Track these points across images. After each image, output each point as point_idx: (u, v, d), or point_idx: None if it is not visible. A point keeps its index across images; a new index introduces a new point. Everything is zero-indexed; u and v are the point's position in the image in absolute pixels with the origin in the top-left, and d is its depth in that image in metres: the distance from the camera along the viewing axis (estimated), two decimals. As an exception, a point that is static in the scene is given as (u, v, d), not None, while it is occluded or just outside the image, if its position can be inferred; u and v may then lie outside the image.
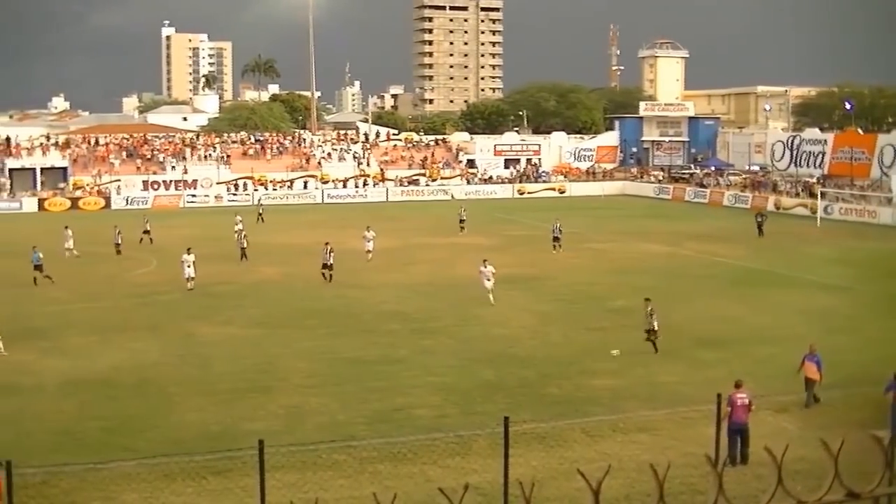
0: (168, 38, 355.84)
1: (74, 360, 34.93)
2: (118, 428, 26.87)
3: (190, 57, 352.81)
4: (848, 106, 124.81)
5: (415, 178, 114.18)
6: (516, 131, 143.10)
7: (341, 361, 34.36)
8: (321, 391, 30.62)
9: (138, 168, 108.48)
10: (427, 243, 67.80)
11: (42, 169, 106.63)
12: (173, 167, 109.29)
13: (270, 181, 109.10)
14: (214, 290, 49.17)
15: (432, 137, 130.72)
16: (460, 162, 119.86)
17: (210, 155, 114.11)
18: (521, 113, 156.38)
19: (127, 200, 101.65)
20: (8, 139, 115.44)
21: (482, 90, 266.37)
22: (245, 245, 58.86)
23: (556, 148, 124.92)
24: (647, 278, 52.00)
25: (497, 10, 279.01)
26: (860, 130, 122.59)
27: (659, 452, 22.68)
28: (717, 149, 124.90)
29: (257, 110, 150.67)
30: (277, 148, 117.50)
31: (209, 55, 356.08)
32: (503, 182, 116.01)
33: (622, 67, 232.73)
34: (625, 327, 39.40)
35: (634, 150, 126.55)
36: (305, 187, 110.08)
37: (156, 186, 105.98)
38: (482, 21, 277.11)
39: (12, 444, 23.97)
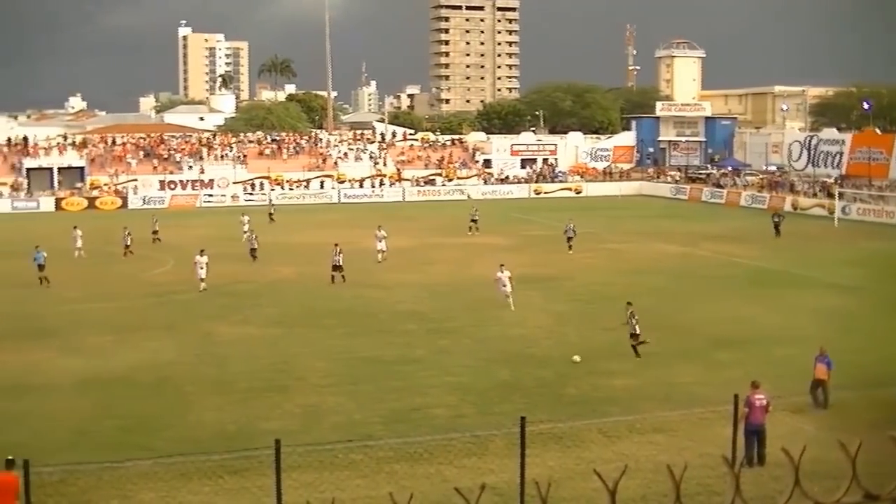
0: (185, 38, 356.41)
1: (91, 359, 35.03)
2: (135, 427, 26.94)
3: (206, 57, 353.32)
4: (866, 106, 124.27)
5: (431, 177, 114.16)
6: (533, 131, 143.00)
7: (358, 361, 34.40)
8: (338, 391, 30.65)
9: (155, 168, 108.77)
10: (443, 243, 67.80)
11: (59, 168, 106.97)
12: (190, 167, 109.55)
13: (287, 181, 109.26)
14: (231, 290, 49.27)
15: (449, 137, 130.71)
16: (477, 162, 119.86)
17: (226, 155, 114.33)
18: (537, 113, 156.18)
19: (144, 200, 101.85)
20: (25, 139, 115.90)
21: (498, 90, 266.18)
22: (255, 246, 58.79)
23: (573, 148, 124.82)
24: (664, 279, 51.98)
25: (513, 9, 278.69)
26: (878, 130, 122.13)
27: (675, 453, 22.65)
28: (734, 149, 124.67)
29: (274, 110, 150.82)
30: (294, 148, 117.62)
31: (226, 55, 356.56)
32: (519, 182, 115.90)
33: (639, 67, 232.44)
34: (643, 327, 39.31)
35: (651, 150, 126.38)
36: (322, 187, 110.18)
37: (172, 186, 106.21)
38: (498, 21, 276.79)
39: (29, 442, 24.06)
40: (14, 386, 31.19)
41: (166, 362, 34.52)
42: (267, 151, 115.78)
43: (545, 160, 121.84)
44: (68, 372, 33.14)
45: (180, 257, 56.17)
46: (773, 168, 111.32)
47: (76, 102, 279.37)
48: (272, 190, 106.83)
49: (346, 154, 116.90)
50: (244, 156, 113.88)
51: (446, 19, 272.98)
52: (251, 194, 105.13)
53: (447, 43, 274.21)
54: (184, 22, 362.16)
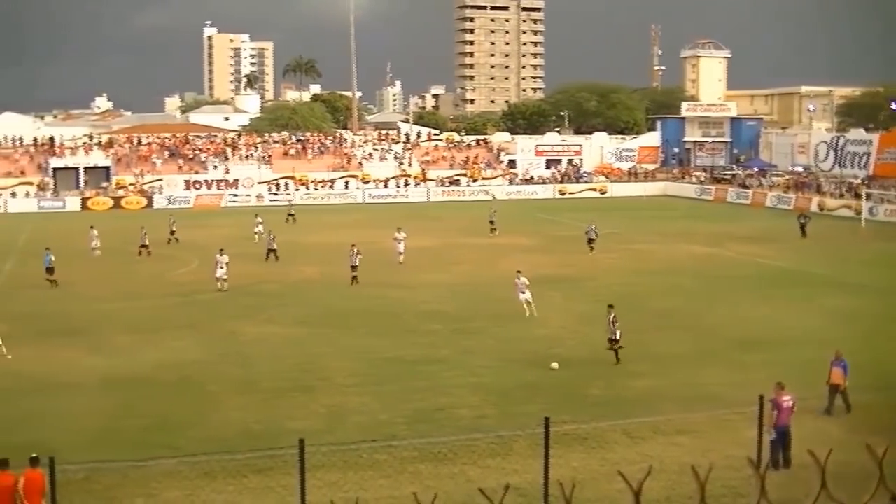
0: (210, 38, 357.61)
1: (116, 358, 35.19)
2: (159, 426, 27.04)
3: (231, 57, 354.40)
4: (894, 106, 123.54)
5: (456, 178, 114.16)
6: (557, 131, 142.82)
7: (382, 361, 34.42)
8: (362, 390, 30.68)
9: (180, 167, 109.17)
10: (467, 243, 67.79)
11: (85, 168, 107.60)
12: (215, 167, 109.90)
13: (311, 181, 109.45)
14: (255, 290, 49.39)
15: (473, 138, 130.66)
16: (501, 162, 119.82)
17: (251, 155, 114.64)
18: (562, 113, 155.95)
19: (169, 200, 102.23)
20: (52, 139, 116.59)
21: (523, 90, 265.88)
22: (274, 246, 58.73)
23: (598, 148, 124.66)
24: (688, 279, 51.85)
25: (538, 9, 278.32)
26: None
27: (700, 455, 22.57)
28: (759, 149, 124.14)
29: (298, 110, 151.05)
30: (318, 148, 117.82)
31: (251, 55, 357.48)
32: (544, 182, 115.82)
33: (664, 67, 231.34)
34: (664, 328, 39.34)
35: (676, 150, 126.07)
36: (346, 187, 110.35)
37: (197, 186, 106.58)
38: (523, 21, 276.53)
39: (55, 440, 24.17)
40: (40, 384, 31.34)
41: (191, 361, 34.64)
42: (291, 151, 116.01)
43: (570, 160, 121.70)
44: (93, 371, 33.30)
45: (205, 257, 56.28)
46: (800, 168, 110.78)
47: (102, 102, 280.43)
48: (297, 190, 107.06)
49: (370, 154, 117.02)
50: (269, 156, 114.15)
51: (471, 19, 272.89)
52: (276, 194, 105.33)
53: (472, 43, 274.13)
54: (209, 22, 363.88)
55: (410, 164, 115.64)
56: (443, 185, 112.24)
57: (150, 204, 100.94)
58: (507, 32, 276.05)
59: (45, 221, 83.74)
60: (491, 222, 72.68)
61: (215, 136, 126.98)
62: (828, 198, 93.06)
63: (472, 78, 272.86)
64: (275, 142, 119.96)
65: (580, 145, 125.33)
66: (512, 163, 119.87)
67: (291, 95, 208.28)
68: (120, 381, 31.89)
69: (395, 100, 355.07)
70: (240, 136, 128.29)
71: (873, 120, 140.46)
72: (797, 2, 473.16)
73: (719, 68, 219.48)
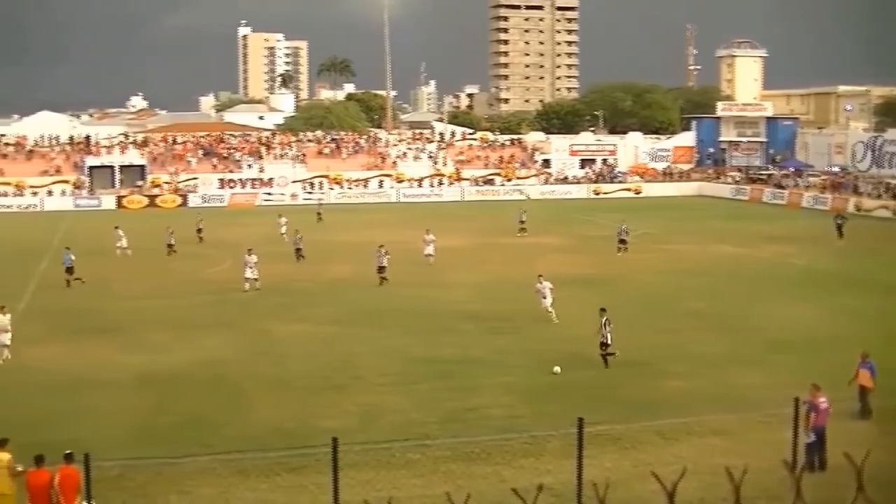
0: (245, 37, 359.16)
1: (150, 355, 35.37)
2: (193, 423, 27.14)
3: (266, 56, 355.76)
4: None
5: (490, 177, 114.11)
6: (592, 131, 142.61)
7: (415, 360, 34.44)
8: (395, 390, 30.72)
9: (215, 166, 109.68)
10: (501, 243, 67.77)
11: (121, 167, 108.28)
12: (249, 165, 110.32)
13: (346, 180, 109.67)
14: (288, 289, 49.51)
15: (508, 137, 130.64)
16: (536, 162, 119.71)
17: (286, 154, 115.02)
18: (596, 113, 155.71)
19: (203, 198, 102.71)
20: (88, 137, 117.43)
21: (558, 90, 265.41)
22: (300, 246, 58.60)
23: (632, 148, 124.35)
24: (722, 280, 51.65)
25: (573, 9, 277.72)
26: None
27: (734, 456, 22.40)
28: (795, 149, 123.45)
29: (333, 109, 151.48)
30: (353, 147, 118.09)
31: (285, 54, 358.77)
32: (578, 182, 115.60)
33: (699, 67, 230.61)
34: (698, 329, 39.19)
35: (711, 150, 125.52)
36: (381, 186, 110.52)
37: (232, 185, 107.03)
38: (558, 20, 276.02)
39: (90, 437, 24.28)
40: (75, 382, 31.54)
41: (224, 359, 34.77)
42: (326, 151, 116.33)
43: (604, 160, 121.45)
44: (128, 368, 33.48)
45: (238, 256, 56.38)
46: (836, 169, 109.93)
47: (137, 102, 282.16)
48: (331, 189, 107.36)
49: (404, 153, 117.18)
50: (303, 155, 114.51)
51: (505, 19, 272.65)
52: (310, 193, 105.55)
53: (506, 42, 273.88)
54: (244, 22, 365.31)
55: (445, 164, 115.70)
56: (477, 184, 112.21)
57: (184, 202, 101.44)
58: (541, 32, 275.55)
59: (80, 220, 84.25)
60: (521, 222, 72.55)
61: (250, 135, 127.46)
62: (865, 198, 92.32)
63: (506, 77, 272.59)
64: (309, 141, 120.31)
65: (615, 145, 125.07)
66: (546, 162, 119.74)
67: (326, 95, 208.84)
68: (154, 379, 32.08)
69: (429, 99, 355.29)
70: (274, 135, 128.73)
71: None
72: (834, 0, 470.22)
73: (755, 68, 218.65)
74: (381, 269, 50.34)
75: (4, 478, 19.74)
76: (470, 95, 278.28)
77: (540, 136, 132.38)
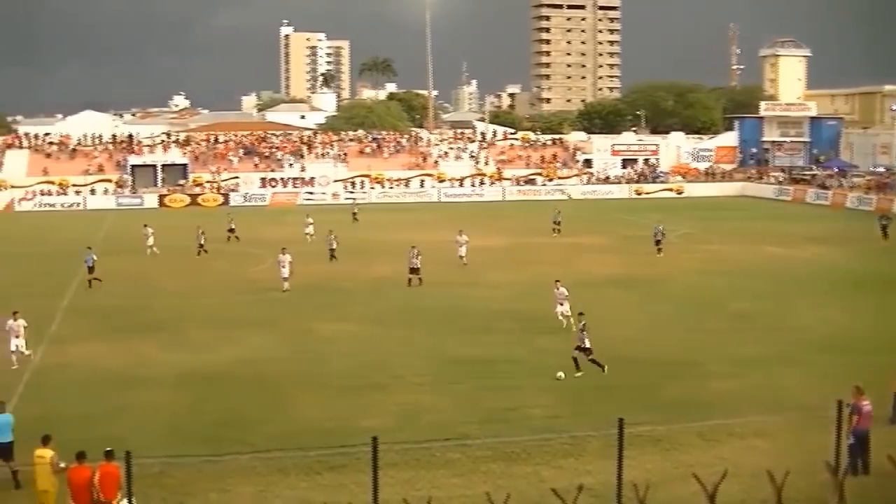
0: (287, 37, 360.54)
1: (192, 353, 35.54)
2: (233, 421, 27.22)
3: (308, 56, 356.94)
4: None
5: (531, 177, 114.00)
6: (634, 131, 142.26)
7: (455, 360, 34.39)
8: (435, 389, 30.69)
9: (256, 165, 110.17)
10: (542, 242, 67.66)
11: (163, 166, 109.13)
12: (291, 165, 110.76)
13: (387, 179, 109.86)
14: (329, 288, 49.62)
15: (549, 137, 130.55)
16: (577, 162, 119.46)
17: (327, 153, 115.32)
18: (638, 112, 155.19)
19: (245, 197, 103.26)
20: (130, 136, 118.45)
21: (599, 89, 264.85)
22: (335, 246, 58.44)
23: (674, 148, 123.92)
24: (764, 281, 51.31)
25: (615, 8, 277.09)
26: None
27: (776, 459, 22.18)
28: (839, 149, 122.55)
29: (374, 109, 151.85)
30: (394, 146, 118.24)
31: (327, 54, 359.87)
32: (620, 182, 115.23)
33: (742, 67, 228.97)
34: (741, 330, 38.92)
35: (754, 150, 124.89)
36: (422, 186, 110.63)
37: (273, 184, 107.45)
38: (600, 20, 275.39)
39: (131, 434, 24.48)
40: (118, 379, 31.77)
41: (265, 358, 34.88)
42: (367, 150, 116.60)
43: (646, 160, 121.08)
44: (169, 366, 33.67)
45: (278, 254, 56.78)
46: (881, 169, 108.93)
47: (180, 101, 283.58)
48: (372, 189, 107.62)
49: (446, 153, 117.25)
50: (345, 154, 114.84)
51: (547, 18, 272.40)
52: (351, 192, 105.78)
53: (548, 42, 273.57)
54: (286, 21, 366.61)
55: (486, 163, 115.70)
56: (518, 184, 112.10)
57: (226, 201, 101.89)
58: (583, 31, 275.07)
59: (122, 218, 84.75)
60: (555, 223, 72.33)
61: (291, 134, 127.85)
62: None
63: (548, 77, 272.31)
64: (350, 140, 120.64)
65: (657, 145, 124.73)
66: (588, 162, 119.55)
67: (367, 94, 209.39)
68: (195, 377, 32.22)
69: (470, 99, 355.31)
70: (316, 134, 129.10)
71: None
72: None
73: (799, 67, 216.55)
74: (413, 269, 50.02)
75: (48, 474, 19.91)
76: (511, 95, 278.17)
77: (581, 135, 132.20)
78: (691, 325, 40.04)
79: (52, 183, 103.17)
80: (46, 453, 20.15)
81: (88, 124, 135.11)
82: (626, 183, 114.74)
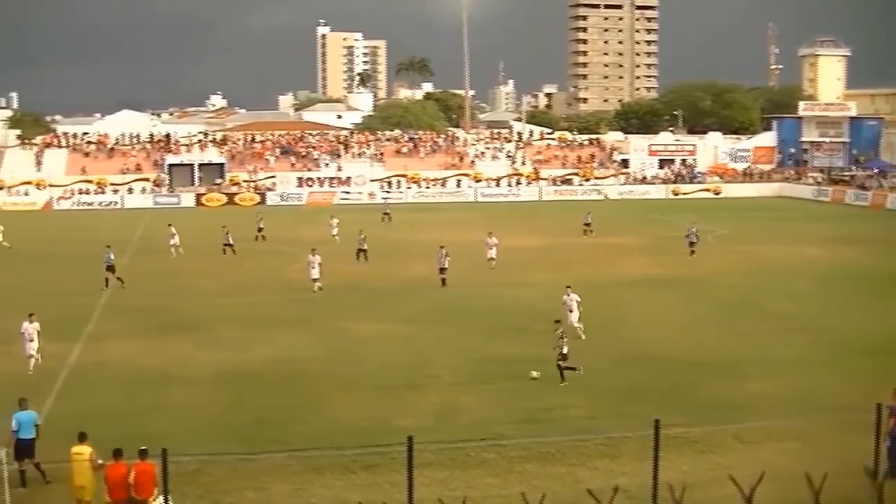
0: (323, 36, 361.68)
1: (228, 352, 35.69)
2: (269, 420, 27.31)
3: (345, 55, 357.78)
4: None
5: (568, 177, 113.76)
6: (671, 131, 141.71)
7: (490, 360, 34.35)
8: (471, 389, 30.67)
9: (293, 165, 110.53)
10: (579, 243, 67.50)
11: (200, 165, 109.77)
12: (327, 164, 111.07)
13: (423, 179, 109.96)
14: (365, 287, 49.67)
15: (586, 137, 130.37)
16: (614, 162, 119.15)
17: (364, 153, 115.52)
18: (676, 112, 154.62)
19: (282, 197, 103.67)
20: (168, 136, 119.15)
21: (636, 89, 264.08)
22: (365, 247, 58.00)
23: (712, 148, 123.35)
24: (803, 282, 51.01)
25: (652, 8, 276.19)
26: None
27: (814, 462, 22.00)
28: (880, 150, 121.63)
29: (411, 108, 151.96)
30: (431, 146, 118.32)
31: (363, 54, 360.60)
32: (657, 182, 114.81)
33: (781, 66, 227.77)
34: (779, 331, 38.68)
35: (793, 150, 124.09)
36: (458, 186, 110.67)
37: (310, 183, 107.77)
38: (637, 19, 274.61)
39: (167, 432, 24.60)
40: (155, 377, 31.96)
41: (301, 357, 34.96)
42: (404, 150, 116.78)
43: (683, 161, 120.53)
44: (206, 364, 33.82)
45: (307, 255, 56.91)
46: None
47: (217, 100, 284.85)
48: (408, 189, 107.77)
49: (482, 153, 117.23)
50: (381, 154, 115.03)
51: (584, 18, 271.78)
52: (387, 192, 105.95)
53: (585, 42, 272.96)
54: (322, 21, 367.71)
55: (523, 163, 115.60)
56: (555, 184, 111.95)
57: (263, 200, 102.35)
58: (620, 31, 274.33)
59: (160, 217, 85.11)
60: (586, 224, 72.13)
61: (328, 133, 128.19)
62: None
63: (584, 77, 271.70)
64: (387, 140, 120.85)
65: (694, 145, 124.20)
66: (625, 162, 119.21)
67: (404, 94, 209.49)
68: (231, 376, 32.35)
69: (507, 98, 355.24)
70: (352, 134, 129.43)
71: None
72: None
73: (838, 67, 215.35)
74: (442, 269, 50.02)
75: (86, 470, 20.11)
76: (548, 95, 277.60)
77: (618, 135, 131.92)
78: (728, 326, 39.85)
79: (90, 182, 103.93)
80: (85, 450, 20.38)
81: (126, 124, 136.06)
82: (663, 183, 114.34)
